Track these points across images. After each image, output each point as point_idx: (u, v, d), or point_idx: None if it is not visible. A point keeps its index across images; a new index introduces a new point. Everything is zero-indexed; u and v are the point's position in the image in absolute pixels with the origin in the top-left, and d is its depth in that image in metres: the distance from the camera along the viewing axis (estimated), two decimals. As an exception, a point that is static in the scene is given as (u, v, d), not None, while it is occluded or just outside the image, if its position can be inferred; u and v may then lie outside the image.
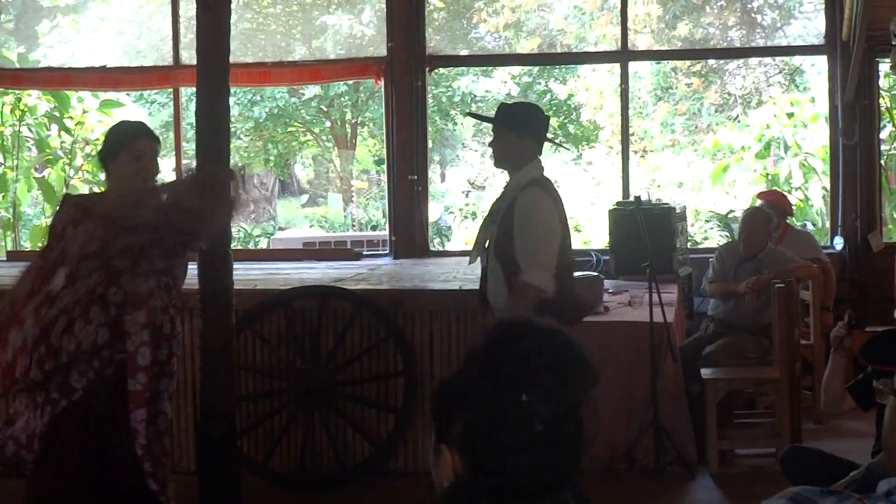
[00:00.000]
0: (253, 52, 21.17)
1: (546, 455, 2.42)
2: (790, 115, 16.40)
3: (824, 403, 8.06)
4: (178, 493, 5.96)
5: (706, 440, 8.55)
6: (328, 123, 23.99)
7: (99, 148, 5.97)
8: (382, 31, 12.34)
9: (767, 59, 21.06)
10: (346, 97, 22.69)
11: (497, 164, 6.96)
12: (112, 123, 14.42)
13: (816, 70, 17.81)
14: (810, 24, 18.97)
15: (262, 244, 20.95)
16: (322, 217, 25.65)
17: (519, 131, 6.74)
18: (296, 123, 23.65)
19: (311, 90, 21.99)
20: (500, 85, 22.30)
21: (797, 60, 20.38)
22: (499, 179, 23.59)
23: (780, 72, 21.14)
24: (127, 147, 5.74)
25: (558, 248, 6.57)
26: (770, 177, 16.20)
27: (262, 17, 22.20)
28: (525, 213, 6.56)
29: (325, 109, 23.18)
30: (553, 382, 2.42)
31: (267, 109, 22.10)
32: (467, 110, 20.83)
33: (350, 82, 20.99)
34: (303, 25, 22.63)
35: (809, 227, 14.91)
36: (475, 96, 22.41)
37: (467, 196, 23.82)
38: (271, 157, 24.31)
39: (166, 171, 15.60)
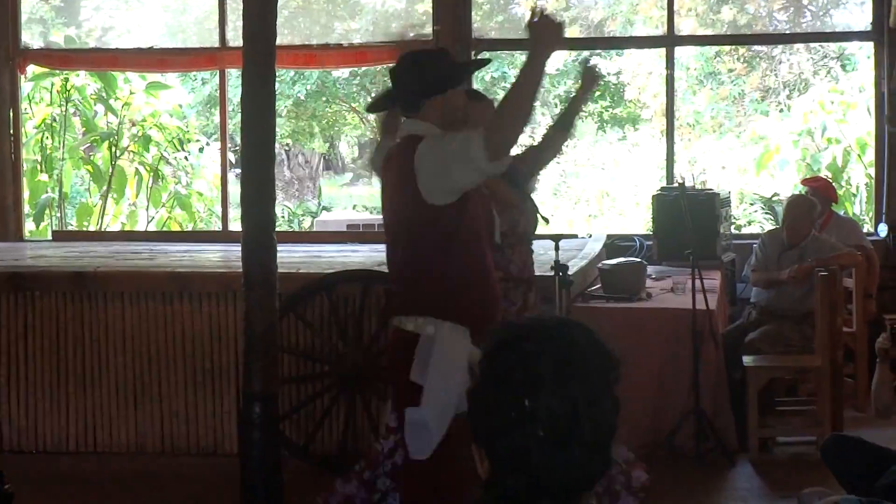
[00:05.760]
0: (296, 32, 21.20)
1: (564, 456, 2.37)
2: (832, 103, 16.28)
3: (876, 410, 8.15)
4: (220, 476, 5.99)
5: (747, 427, 8.55)
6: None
7: None
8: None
9: (814, 46, 20.88)
10: (387, 76, 22.65)
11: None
12: (158, 105, 14.65)
13: (865, 55, 17.64)
14: (857, 10, 18.83)
15: (306, 223, 20.98)
16: (370, 197, 25.61)
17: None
18: (338, 101, 23.64)
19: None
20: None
21: (845, 48, 20.17)
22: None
23: (825, 58, 20.97)
24: None
25: None
26: (811, 164, 16.11)
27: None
28: None
29: (368, 87, 23.18)
30: (558, 383, 2.37)
31: (308, 87, 22.12)
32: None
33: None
34: (345, 5, 22.61)
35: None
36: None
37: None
38: (315, 133, 24.27)
39: (213, 153, 15.72)
